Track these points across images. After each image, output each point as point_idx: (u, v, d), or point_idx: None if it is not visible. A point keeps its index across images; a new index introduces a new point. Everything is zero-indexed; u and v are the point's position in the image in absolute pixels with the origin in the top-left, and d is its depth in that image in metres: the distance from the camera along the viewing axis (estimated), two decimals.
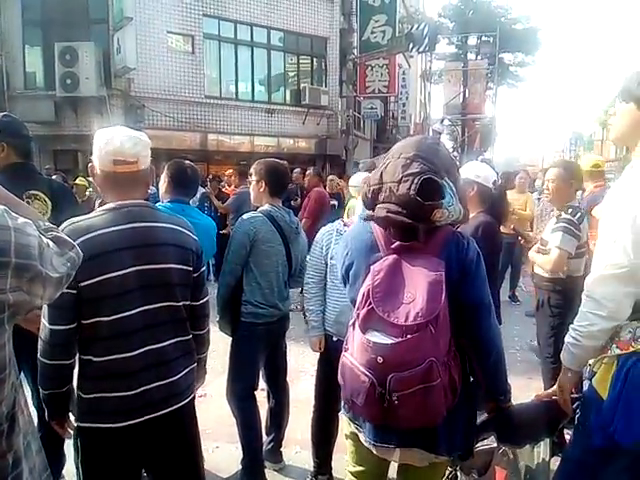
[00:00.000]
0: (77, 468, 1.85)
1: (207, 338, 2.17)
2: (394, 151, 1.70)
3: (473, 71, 24.40)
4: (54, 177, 6.52)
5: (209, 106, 13.16)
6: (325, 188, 7.73)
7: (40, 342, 1.73)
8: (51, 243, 1.27)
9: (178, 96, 12.49)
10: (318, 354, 2.95)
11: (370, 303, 1.55)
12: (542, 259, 3.29)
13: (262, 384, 3.17)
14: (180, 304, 1.91)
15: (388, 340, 1.50)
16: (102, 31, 11.58)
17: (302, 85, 14.96)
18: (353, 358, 1.60)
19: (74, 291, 1.67)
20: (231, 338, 3.01)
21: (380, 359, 1.50)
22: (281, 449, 3.22)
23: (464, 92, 24.34)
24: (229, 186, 8.04)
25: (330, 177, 8.26)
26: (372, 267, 1.61)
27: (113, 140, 1.81)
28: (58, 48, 10.73)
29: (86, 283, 1.69)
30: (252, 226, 2.86)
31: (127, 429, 1.78)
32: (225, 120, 13.52)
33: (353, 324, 1.63)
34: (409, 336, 1.49)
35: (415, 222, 1.57)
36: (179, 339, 1.92)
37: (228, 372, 3.02)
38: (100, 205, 1.94)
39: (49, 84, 11.43)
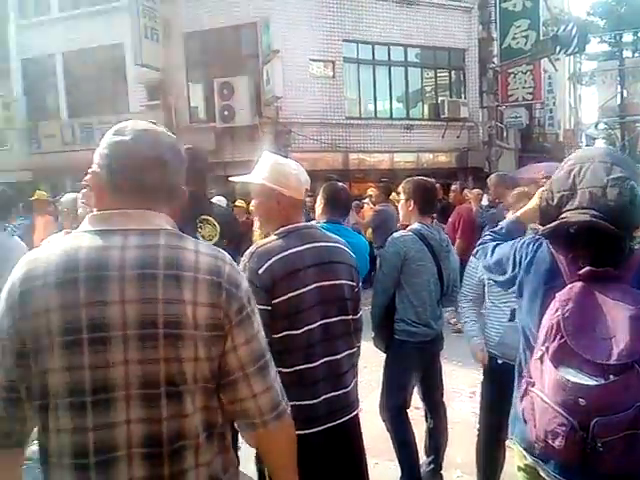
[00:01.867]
0: None
1: (359, 352, 2.20)
2: (582, 157, 1.55)
3: (631, 69, 22.13)
4: (219, 202, 7.15)
5: (350, 127, 13.55)
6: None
7: None
8: None
9: (321, 119, 13.04)
10: (472, 375, 2.88)
11: (562, 337, 1.41)
12: None
13: (419, 402, 3.16)
14: (350, 317, 2.04)
15: (591, 381, 1.36)
16: (253, 65, 12.58)
17: (440, 99, 14.72)
18: (545, 395, 1.45)
19: (269, 307, 1.81)
20: (385, 354, 3.06)
21: (582, 401, 1.35)
22: (441, 472, 3.13)
23: (622, 92, 22.13)
24: (373, 205, 8.17)
25: (476, 191, 7.94)
26: (557, 295, 1.46)
27: (303, 173, 2.01)
28: (217, 84, 11.89)
29: (282, 299, 1.83)
30: (403, 245, 2.90)
31: (308, 437, 1.81)
32: (365, 139, 13.79)
33: (540, 358, 1.48)
34: (613, 377, 1.34)
35: (622, 233, 1.40)
36: (349, 352, 2.04)
37: (381, 388, 3.07)
38: None
39: (210, 117, 12.72)
